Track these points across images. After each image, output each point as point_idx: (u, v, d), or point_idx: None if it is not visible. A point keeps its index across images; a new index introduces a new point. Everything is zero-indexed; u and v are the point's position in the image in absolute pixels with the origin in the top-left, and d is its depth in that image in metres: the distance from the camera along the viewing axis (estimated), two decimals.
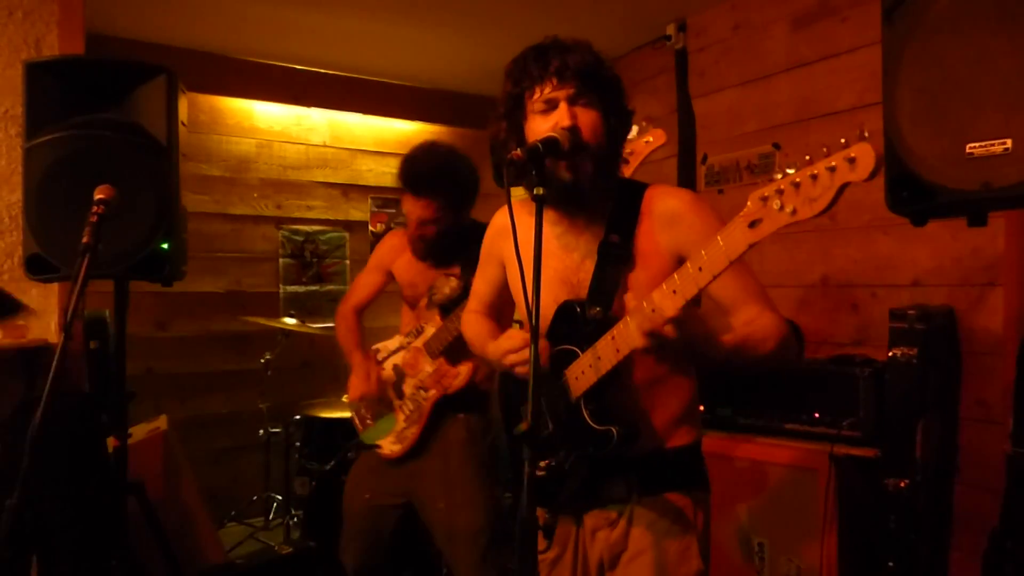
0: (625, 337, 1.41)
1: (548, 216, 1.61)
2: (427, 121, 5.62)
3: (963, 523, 2.81)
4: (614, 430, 1.48)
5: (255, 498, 4.57)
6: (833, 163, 1.13)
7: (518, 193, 1.53)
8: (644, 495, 1.62)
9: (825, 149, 1.13)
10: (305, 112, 5.14)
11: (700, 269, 1.27)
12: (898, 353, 2.60)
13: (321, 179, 5.15)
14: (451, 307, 2.48)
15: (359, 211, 5.31)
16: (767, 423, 2.91)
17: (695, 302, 1.33)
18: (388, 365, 2.66)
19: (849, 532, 2.62)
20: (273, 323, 4.32)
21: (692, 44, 4.19)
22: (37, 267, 2.24)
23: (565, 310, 1.61)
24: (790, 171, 1.16)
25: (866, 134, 1.10)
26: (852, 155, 1.11)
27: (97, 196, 1.77)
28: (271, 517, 4.51)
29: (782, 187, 1.17)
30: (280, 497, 4.47)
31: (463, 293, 2.45)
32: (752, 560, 2.83)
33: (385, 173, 5.45)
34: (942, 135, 1.57)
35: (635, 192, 1.66)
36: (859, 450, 2.66)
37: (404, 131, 5.58)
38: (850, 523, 2.62)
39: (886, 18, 1.70)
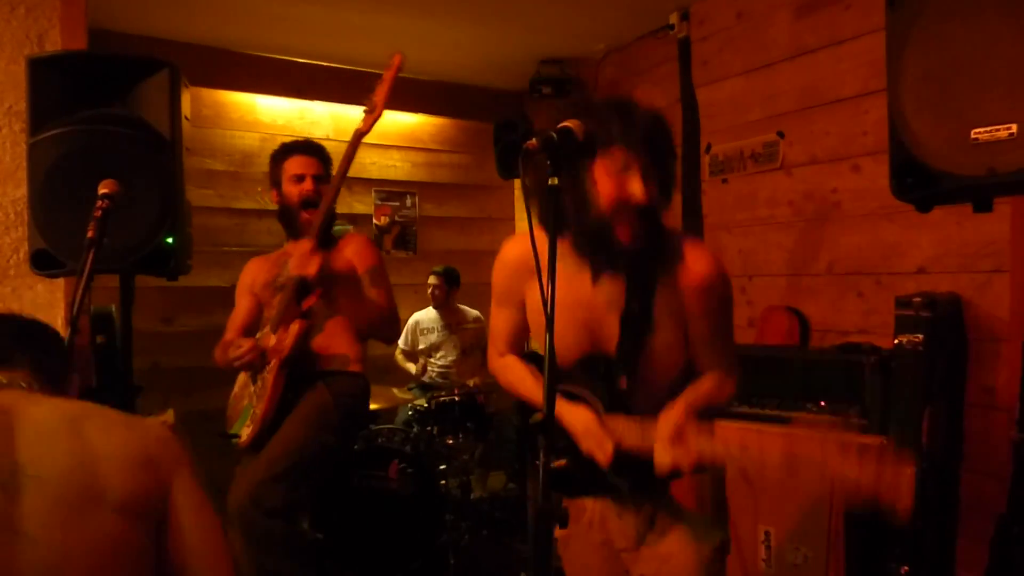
0: (647, 445, 1.55)
1: (576, 254, 1.65)
2: (429, 113, 5.61)
3: (970, 510, 2.80)
4: (625, 484, 1.63)
5: None
6: (886, 471, 1.24)
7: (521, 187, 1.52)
8: (663, 494, 1.78)
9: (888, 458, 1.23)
10: (308, 105, 5.13)
11: (740, 447, 1.42)
12: (904, 340, 2.59)
13: None
14: (296, 286, 2.53)
15: (363, 204, 5.31)
16: (773, 412, 2.91)
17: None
18: (242, 373, 2.69)
19: (856, 520, 2.62)
20: None
21: (695, 33, 4.17)
22: (43, 262, 2.25)
23: (592, 363, 1.69)
24: (856, 436, 1.30)
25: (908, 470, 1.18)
26: (898, 475, 1.23)
27: (101, 191, 1.78)
28: None
29: (841, 439, 1.31)
30: None
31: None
32: (758, 549, 2.84)
33: (388, 166, 5.44)
34: (947, 121, 1.57)
35: (669, 245, 1.67)
36: (865, 438, 2.65)
37: (407, 124, 5.57)
38: (857, 511, 2.62)
39: (890, 4, 1.70)
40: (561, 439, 1.65)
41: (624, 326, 1.65)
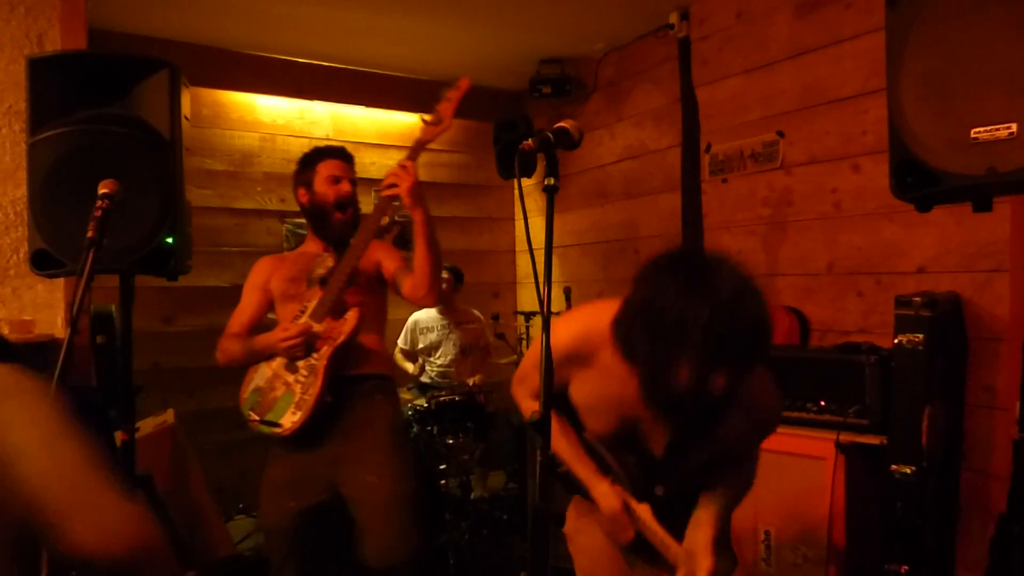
0: (672, 556, 1.68)
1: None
2: (430, 113, 5.61)
3: (970, 509, 2.80)
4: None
5: None
6: None
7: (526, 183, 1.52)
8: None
9: None
10: (308, 105, 5.13)
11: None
12: (904, 340, 2.59)
13: None
14: (328, 277, 2.58)
15: (363, 204, 5.28)
16: None
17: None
18: (278, 356, 2.61)
19: (856, 519, 2.62)
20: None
21: (695, 32, 4.17)
22: (42, 262, 2.24)
23: (634, 456, 1.74)
24: None
25: None
26: None
27: (101, 191, 1.78)
28: None
29: None
30: None
31: (337, 263, 2.59)
32: (758, 548, 2.84)
33: (388, 166, 5.41)
34: (947, 120, 1.56)
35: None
36: (865, 438, 2.66)
37: (407, 123, 5.57)
38: (857, 510, 2.63)
39: (890, 4, 1.69)
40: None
41: (675, 438, 1.66)
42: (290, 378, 2.54)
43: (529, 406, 1.80)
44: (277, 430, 2.49)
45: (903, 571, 2.51)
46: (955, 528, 2.82)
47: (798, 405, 2.86)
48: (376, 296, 2.72)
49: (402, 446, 2.71)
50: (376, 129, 5.42)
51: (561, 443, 1.78)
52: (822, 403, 2.80)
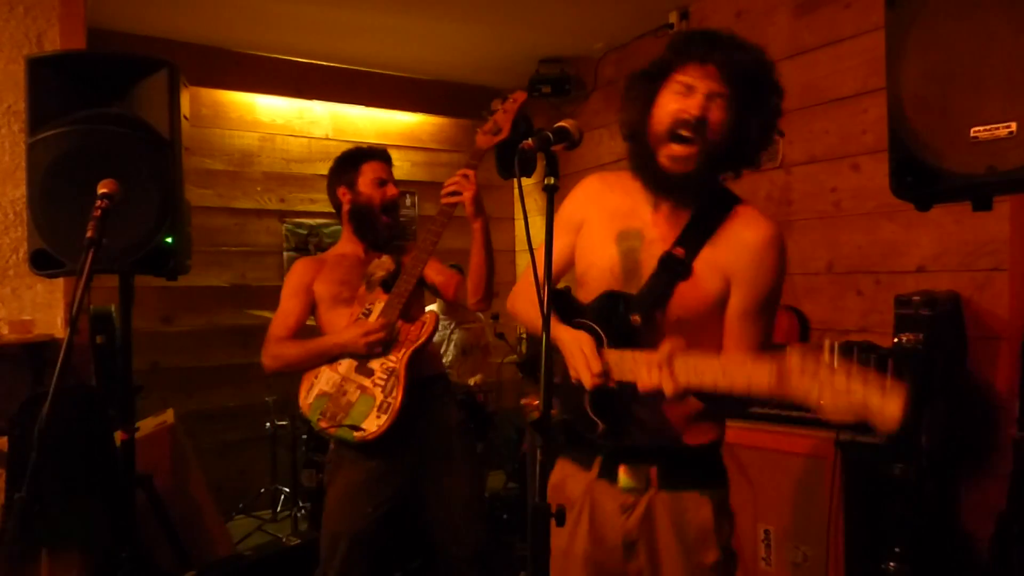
0: (637, 372, 1.44)
1: (613, 183, 1.66)
2: (429, 112, 5.61)
3: (970, 508, 2.81)
4: (600, 424, 1.53)
5: (262, 490, 4.59)
6: (872, 386, 1.17)
7: (527, 182, 1.52)
8: (661, 488, 1.62)
9: (872, 375, 1.17)
10: (307, 105, 5.13)
11: (728, 377, 1.32)
12: (904, 339, 2.59)
13: (324, 172, 5.05)
14: (392, 281, 2.57)
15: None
16: (772, 411, 2.91)
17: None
18: (344, 359, 2.56)
19: (855, 518, 2.62)
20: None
21: None
22: (42, 262, 2.24)
23: (611, 300, 1.60)
24: (843, 360, 1.18)
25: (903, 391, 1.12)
26: (886, 392, 1.16)
27: (100, 190, 1.77)
28: (279, 509, 4.53)
29: (827, 361, 1.20)
30: (287, 489, 4.49)
31: (397, 269, 2.58)
32: (758, 548, 2.84)
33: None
34: (946, 119, 1.56)
35: (724, 205, 1.61)
36: (865, 437, 2.66)
37: (407, 123, 5.57)
38: (856, 509, 2.62)
39: (889, 3, 1.69)
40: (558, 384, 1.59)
41: (658, 266, 1.56)
42: (366, 382, 2.50)
43: (526, 310, 1.79)
44: (361, 434, 2.43)
45: (903, 570, 2.51)
46: (955, 527, 2.82)
47: (798, 404, 2.85)
48: (421, 300, 2.75)
49: (472, 446, 2.79)
50: (376, 129, 5.41)
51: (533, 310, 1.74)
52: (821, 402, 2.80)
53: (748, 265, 1.54)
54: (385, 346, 2.50)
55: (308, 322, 2.71)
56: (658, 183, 1.57)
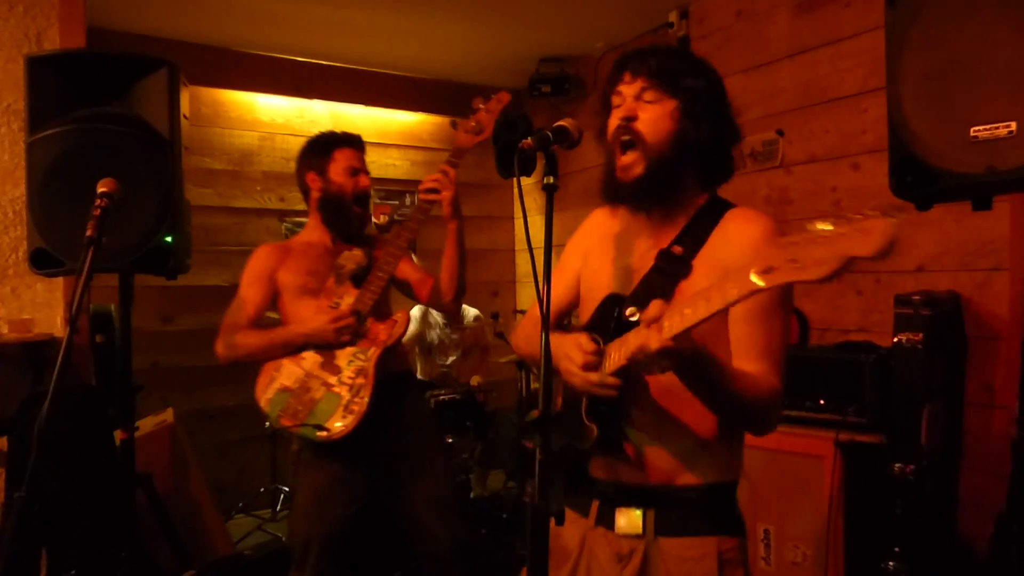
0: (627, 342, 1.33)
1: (633, 216, 1.61)
2: (429, 112, 5.61)
3: (969, 508, 2.81)
4: (595, 429, 1.44)
5: (262, 490, 4.60)
6: (845, 229, 1.05)
7: (526, 182, 1.52)
8: (659, 535, 1.49)
9: (851, 215, 1.06)
10: (307, 104, 5.13)
11: (708, 300, 1.18)
12: (903, 339, 2.59)
13: None
14: (362, 275, 2.50)
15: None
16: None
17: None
18: (308, 353, 2.47)
19: (855, 518, 2.62)
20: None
21: (694, 31, 4.17)
22: (42, 261, 2.25)
23: (609, 302, 1.54)
24: (818, 226, 1.08)
25: (900, 214, 1.01)
26: (867, 227, 1.02)
27: (100, 189, 1.77)
28: (278, 508, 4.53)
29: (797, 240, 1.10)
30: (287, 489, 4.48)
31: (368, 263, 2.52)
32: (758, 547, 2.84)
33: (388, 165, 5.45)
34: (946, 119, 1.56)
35: (718, 209, 1.57)
36: (865, 436, 2.66)
37: (406, 122, 5.57)
38: (856, 509, 2.63)
39: (889, 2, 1.70)
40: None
41: (655, 262, 1.52)
42: (331, 379, 2.41)
43: (530, 351, 1.75)
44: (323, 435, 2.35)
45: (903, 570, 2.51)
46: (954, 527, 2.82)
47: (797, 403, 2.85)
48: (388, 298, 2.67)
49: (441, 442, 2.73)
50: (375, 128, 5.41)
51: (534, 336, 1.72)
52: (821, 402, 2.80)
53: (752, 260, 1.44)
54: (353, 338, 2.43)
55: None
56: (620, 194, 1.57)
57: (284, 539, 3.27)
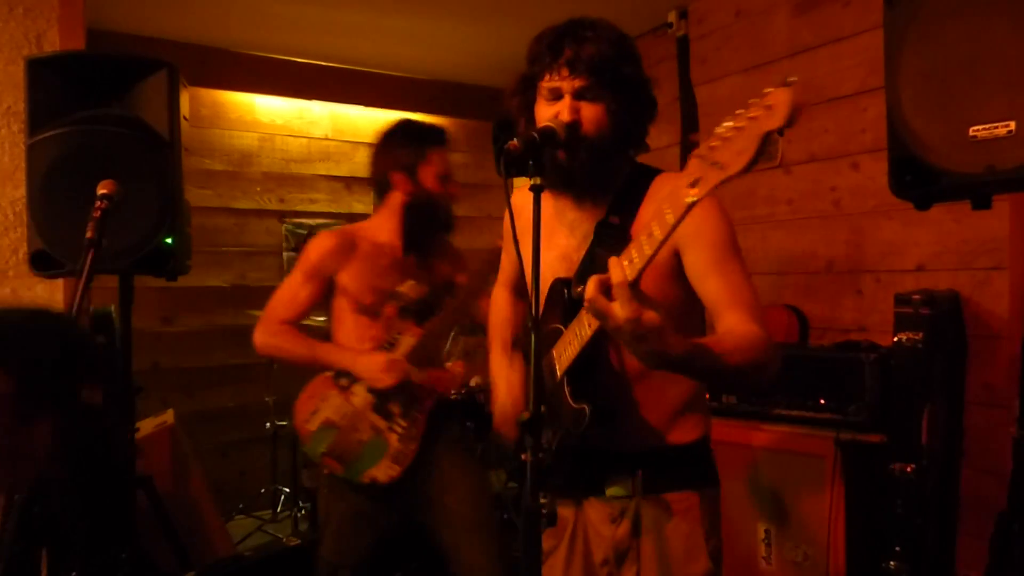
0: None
1: (556, 198, 1.64)
2: (429, 112, 5.60)
3: (970, 507, 2.81)
4: (587, 408, 1.45)
5: (263, 491, 4.59)
6: (753, 113, 1.08)
7: (520, 182, 1.52)
8: (647, 493, 1.58)
9: (751, 100, 1.08)
10: (307, 105, 5.13)
11: (650, 235, 1.19)
12: (903, 338, 2.59)
13: (324, 172, 5.14)
14: (423, 310, 2.38)
15: (362, 204, 5.30)
16: (772, 410, 2.91)
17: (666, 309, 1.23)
18: (359, 389, 2.36)
19: (856, 518, 2.62)
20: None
21: (693, 31, 4.17)
22: (42, 263, 2.25)
23: (556, 288, 1.60)
24: (725, 125, 1.11)
25: (790, 79, 1.05)
26: (769, 103, 1.05)
27: (100, 191, 1.78)
28: (279, 509, 4.53)
29: (713, 144, 1.12)
30: (287, 489, 4.49)
31: (431, 291, 2.40)
32: (758, 547, 2.84)
33: None
34: (945, 118, 1.57)
35: (645, 177, 1.62)
36: (865, 436, 2.66)
37: None
38: (857, 509, 2.62)
39: (888, 2, 1.70)
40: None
41: (594, 236, 1.56)
42: (381, 424, 2.32)
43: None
44: (370, 478, 2.30)
45: (904, 569, 2.51)
46: (955, 526, 2.82)
47: (797, 403, 2.85)
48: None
49: (476, 464, 2.57)
50: (375, 129, 5.38)
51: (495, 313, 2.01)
52: (821, 401, 2.80)
53: (688, 219, 1.30)
54: (407, 392, 2.33)
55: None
56: (563, 184, 1.58)
57: (284, 540, 3.26)
